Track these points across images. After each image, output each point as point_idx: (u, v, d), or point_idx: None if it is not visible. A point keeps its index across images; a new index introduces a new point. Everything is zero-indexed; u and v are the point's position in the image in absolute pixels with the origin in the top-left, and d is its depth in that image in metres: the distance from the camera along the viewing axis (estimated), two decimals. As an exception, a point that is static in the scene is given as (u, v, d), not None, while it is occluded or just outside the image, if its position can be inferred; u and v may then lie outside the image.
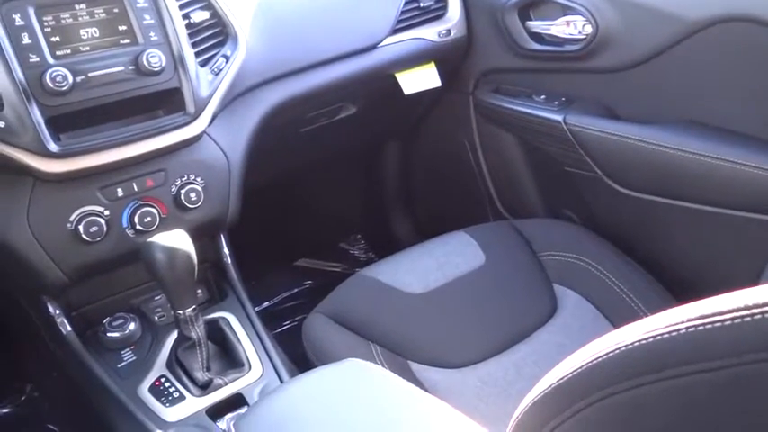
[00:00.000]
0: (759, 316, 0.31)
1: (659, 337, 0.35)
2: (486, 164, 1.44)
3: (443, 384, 0.90)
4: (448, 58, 1.34)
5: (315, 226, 1.77)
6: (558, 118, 1.18)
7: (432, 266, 1.07)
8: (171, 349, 0.92)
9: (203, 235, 1.00)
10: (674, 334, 0.35)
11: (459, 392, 0.89)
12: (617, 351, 0.37)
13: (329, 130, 1.32)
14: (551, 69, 1.24)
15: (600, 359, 0.39)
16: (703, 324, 0.34)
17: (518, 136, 1.33)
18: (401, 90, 1.28)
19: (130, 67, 0.85)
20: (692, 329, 0.34)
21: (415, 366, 0.93)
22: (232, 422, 0.58)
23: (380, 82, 1.26)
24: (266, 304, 1.67)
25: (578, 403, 0.40)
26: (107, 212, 0.88)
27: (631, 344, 0.37)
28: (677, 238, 1.10)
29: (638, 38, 1.08)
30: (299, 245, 1.80)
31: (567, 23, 1.16)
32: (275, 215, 1.62)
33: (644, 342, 0.36)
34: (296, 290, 1.72)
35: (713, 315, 0.33)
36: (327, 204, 1.79)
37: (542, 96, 1.25)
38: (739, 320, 0.32)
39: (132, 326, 0.95)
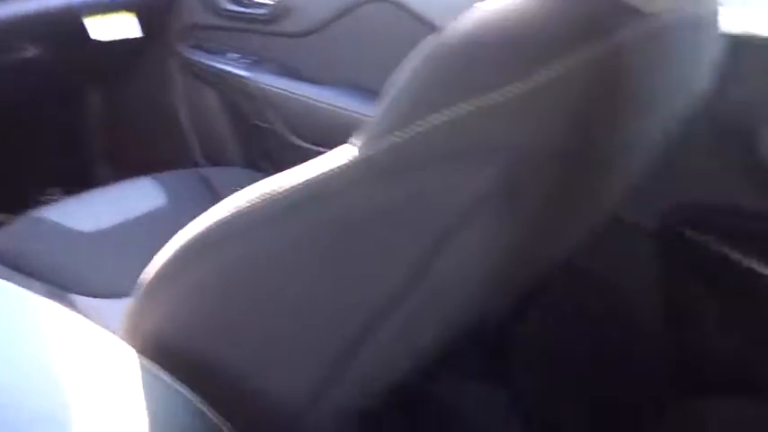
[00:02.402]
0: None
1: None
2: (188, 115, 1.49)
3: (96, 312, 0.94)
4: (150, 8, 1.36)
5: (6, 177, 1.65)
6: (248, 75, 1.27)
7: (108, 207, 1.09)
8: None
9: None
10: None
11: (106, 319, 0.94)
12: None
13: (6, 73, 1.26)
14: (246, 30, 1.33)
15: None
16: None
17: (217, 90, 1.40)
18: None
19: None
20: None
21: (73, 297, 0.96)
22: None
23: (68, 25, 1.23)
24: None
25: None
26: None
27: None
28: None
29: (312, 8, 1.21)
30: None
31: (256, -13, 1.26)
32: None
33: None
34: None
35: None
36: (22, 154, 1.66)
37: (237, 55, 1.33)
38: None
39: None
